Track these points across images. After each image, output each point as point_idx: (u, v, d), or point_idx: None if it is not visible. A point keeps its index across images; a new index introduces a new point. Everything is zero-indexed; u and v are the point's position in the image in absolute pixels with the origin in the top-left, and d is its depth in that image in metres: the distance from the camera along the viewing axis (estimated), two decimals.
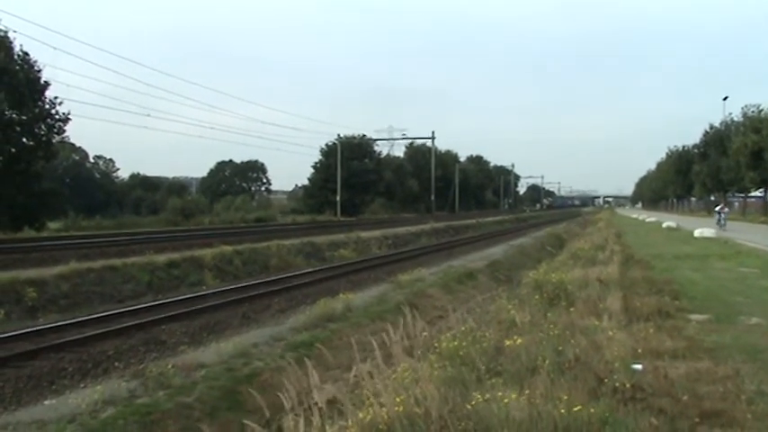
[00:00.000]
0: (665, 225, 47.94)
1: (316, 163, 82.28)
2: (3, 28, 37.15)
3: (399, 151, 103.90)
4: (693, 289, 14.37)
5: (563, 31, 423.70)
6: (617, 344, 8.00)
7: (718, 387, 6.75)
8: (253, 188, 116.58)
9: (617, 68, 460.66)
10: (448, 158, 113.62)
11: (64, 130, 40.21)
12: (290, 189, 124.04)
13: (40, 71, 38.55)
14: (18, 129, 37.59)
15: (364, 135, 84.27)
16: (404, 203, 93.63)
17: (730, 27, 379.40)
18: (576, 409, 5.16)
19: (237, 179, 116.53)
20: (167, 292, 19.43)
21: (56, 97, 38.93)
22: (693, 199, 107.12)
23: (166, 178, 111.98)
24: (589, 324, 9.48)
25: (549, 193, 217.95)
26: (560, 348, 7.48)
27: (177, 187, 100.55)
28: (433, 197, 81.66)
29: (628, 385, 6.29)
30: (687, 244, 29.39)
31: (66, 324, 14.03)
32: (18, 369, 10.79)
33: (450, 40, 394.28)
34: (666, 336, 9.17)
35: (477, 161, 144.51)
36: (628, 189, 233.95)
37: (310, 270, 24.93)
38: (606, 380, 6.40)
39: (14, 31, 37.59)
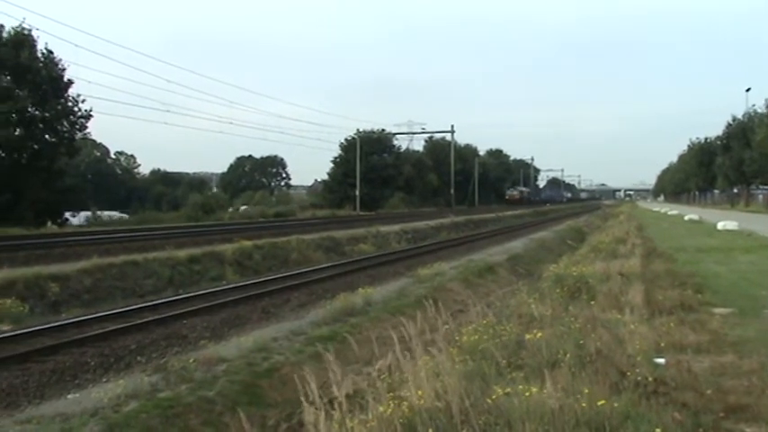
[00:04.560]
0: (687, 218, 47.52)
1: (335, 158, 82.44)
2: (27, 26, 37.58)
3: (419, 145, 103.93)
4: (717, 282, 14.21)
5: (584, 21, 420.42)
6: (639, 337, 7.94)
7: (742, 381, 6.67)
8: (272, 183, 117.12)
9: (639, 59, 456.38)
10: (467, 152, 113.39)
11: (86, 127, 40.68)
12: (310, 184, 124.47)
13: (63, 69, 38.97)
14: (41, 126, 38.05)
15: (383, 129, 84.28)
16: (423, 198, 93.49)
17: (755, 17, 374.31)
18: (598, 403, 5.11)
19: (257, 174, 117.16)
20: (188, 287, 19.52)
21: (78, 95, 39.35)
22: (716, 191, 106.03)
23: (187, 174, 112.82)
24: (611, 317, 9.41)
25: (569, 186, 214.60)
26: (582, 342, 7.43)
27: (197, 183, 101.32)
28: (452, 191, 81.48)
29: (650, 379, 6.23)
30: (710, 237, 29.10)
31: (89, 319, 14.14)
32: (41, 363, 10.89)
33: (470, 34, 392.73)
34: (690, 329, 9.09)
35: (496, 155, 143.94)
36: (649, 182, 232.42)
37: (330, 264, 24.94)
38: (628, 374, 6.34)
39: (37, 29, 38.01)
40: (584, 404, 5.06)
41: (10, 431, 7.93)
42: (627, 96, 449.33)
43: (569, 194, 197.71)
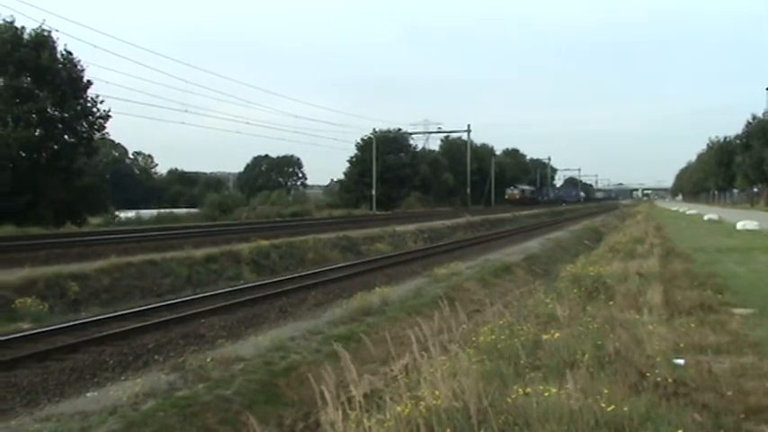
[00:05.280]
0: (706, 217, 47.13)
1: (351, 157, 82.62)
2: (46, 28, 37.91)
3: (435, 145, 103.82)
4: (737, 282, 14.08)
5: (599, 21, 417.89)
6: (658, 338, 7.89)
7: (763, 382, 6.61)
8: (289, 183, 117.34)
9: (658, 57, 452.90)
10: (484, 152, 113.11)
11: (104, 127, 40.87)
12: (326, 184, 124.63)
13: (82, 70, 39.27)
14: (60, 126, 38.33)
15: (400, 129, 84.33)
16: (439, 197, 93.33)
17: None
18: (617, 403, 5.08)
19: (273, 174, 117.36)
20: (206, 286, 19.62)
21: (97, 95, 39.64)
22: (735, 191, 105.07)
23: (204, 173, 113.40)
24: (629, 318, 9.35)
25: (587, 186, 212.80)
26: (600, 342, 7.39)
27: (214, 182, 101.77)
28: (468, 191, 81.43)
29: (670, 380, 6.18)
30: (730, 237, 28.84)
31: (108, 317, 14.25)
32: (61, 362, 10.98)
33: (487, 34, 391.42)
34: (709, 330, 9.00)
35: (513, 154, 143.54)
36: (668, 181, 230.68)
37: (346, 264, 24.98)
38: (648, 374, 6.29)
39: (57, 31, 38.33)
40: (603, 405, 5.03)
41: (31, 429, 7.99)
42: (645, 95, 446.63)
43: (583, 194, 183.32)
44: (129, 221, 48.15)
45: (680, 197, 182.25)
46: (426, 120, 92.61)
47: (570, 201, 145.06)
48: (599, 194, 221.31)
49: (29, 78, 36.81)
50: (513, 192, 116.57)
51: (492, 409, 5.19)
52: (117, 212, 51.00)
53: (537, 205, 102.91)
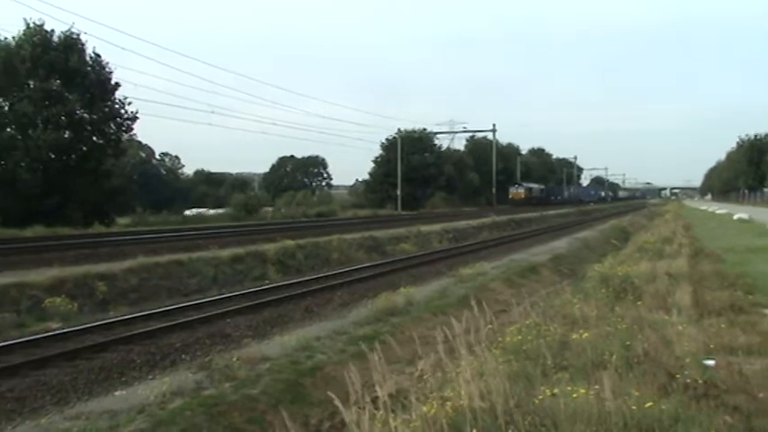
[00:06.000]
0: (736, 217, 46.45)
1: (376, 157, 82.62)
2: (75, 31, 38.43)
3: (460, 144, 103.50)
4: None
5: (627, 19, 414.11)
6: (687, 339, 7.78)
7: None
8: (314, 183, 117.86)
9: (686, 55, 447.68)
10: (509, 151, 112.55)
11: (132, 129, 41.46)
12: (351, 184, 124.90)
13: (110, 72, 39.80)
14: (89, 128, 38.86)
15: (424, 129, 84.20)
16: (465, 197, 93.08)
17: None
18: (646, 405, 5.01)
19: (299, 174, 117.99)
20: (232, 286, 19.72)
21: (125, 97, 40.12)
22: (766, 190, 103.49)
23: (230, 174, 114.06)
24: (658, 318, 9.25)
25: (613, 185, 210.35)
26: (628, 343, 7.31)
27: (240, 183, 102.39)
28: (494, 190, 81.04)
29: (700, 381, 6.09)
30: (760, 237, 28.39)
31: (135, 317, 14.40)
32: (89, 361, 11.12)
33: (513, 34, 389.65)
34: (740, 331, 8.86)
35: (538, 154, 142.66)
36: (696, 180, 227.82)
37: (371, 264, 25.00)
38: (677, 376, 6.21)
39: (85, 33, 38.85)
40: (633, 406, 4.97)
41: (61, 427, 8.09)
42: (674, 93, 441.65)
43: (603, 193, 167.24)
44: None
45: (709, 196, 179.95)
46: (452, 119, 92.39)
47: (588, 200, 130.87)
48: (622, 194, 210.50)
49: (58, 81, 37.37)
50: (517, 191, 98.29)
51: (519, 409, 5.15)
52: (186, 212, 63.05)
53: (548, 206, 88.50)
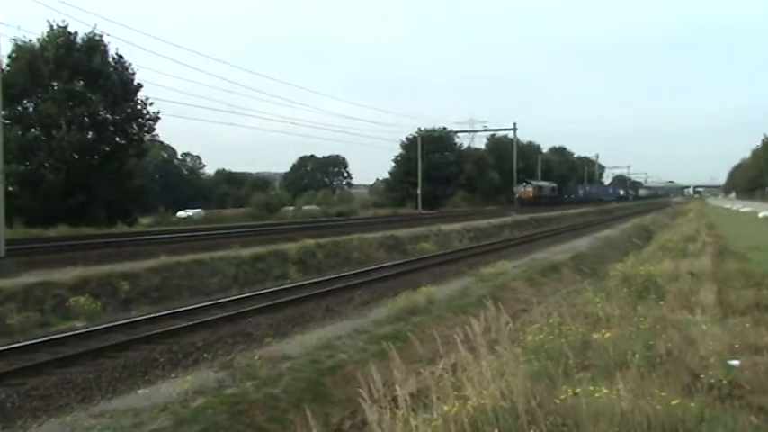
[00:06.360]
0: (761, 215, 45.89)
1: (396, 156, 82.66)
2: (98, 33, 38.81)
3: (480, 143, 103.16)
4: None
5: (648, 16, 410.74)
6: (712, 338, 7.70)
7: None
8: (334, 182, 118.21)
9: (709, 52, 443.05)
10: (530, 150, 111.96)
11: (154, 129, 41.78)
12: (371, 183, 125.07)
13: (133, 73, 40.15)
14: (112, 128, 39.22)
15: (445, 128, 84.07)
16: (485, 196, 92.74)
17: None
18: (670, 404, 4.97)
19: (319, 174, 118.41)
20: (253, 286, 19.82)
21: (147, 98, 40.46)
22: None
23: (250, 174, 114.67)
24: (681, 318, 9.17)
25: (636, 184, 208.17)
26: (651, 342, 7.26)
27: (261, 182, 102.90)
28: (515, 189, 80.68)
29: (724, 381, 6.04)
30: None
31: (158, 316, 14.52)
32: (113, 359, 11.23)
33: (533, 31, 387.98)
34: (765, 330, 8.74)
35: (559, 152, 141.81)
36: (720, 178, 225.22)
37: (392, 263, 25.00)
38: (701, 375, 6.16)
39: (108, 35, 39.22)
40: (657, 406, 4.93)
41: (85, 424, 8.17)
42: (696, 91, 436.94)
43: (622, 191, 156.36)
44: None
45: (733, 195, 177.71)
46: (472, 118, 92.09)
47: (606, 200, 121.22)
48: (642, 192, 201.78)
49: (81, 82, 37.72)
50: (525, 189, 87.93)
51: (540, 409, 5.13)
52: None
53: (559, 206, 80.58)
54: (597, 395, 5.22)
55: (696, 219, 45.48)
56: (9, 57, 36.43)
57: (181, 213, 60.87)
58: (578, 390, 5.45)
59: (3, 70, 27.58)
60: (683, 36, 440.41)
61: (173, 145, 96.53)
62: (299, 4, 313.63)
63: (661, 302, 10.57)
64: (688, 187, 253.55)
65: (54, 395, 9.47)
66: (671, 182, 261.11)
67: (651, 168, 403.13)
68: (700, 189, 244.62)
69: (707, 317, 9.20)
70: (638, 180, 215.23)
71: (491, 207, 78.24)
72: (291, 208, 63.52)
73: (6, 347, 11.60)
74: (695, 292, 11.37)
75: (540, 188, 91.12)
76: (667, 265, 15.54)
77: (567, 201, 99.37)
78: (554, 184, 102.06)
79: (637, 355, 6.71)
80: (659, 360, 6.67)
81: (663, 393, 5.31)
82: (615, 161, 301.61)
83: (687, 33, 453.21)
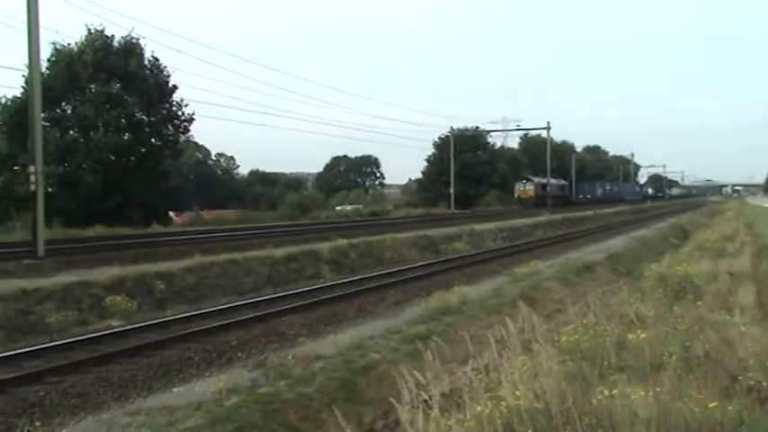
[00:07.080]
0: None
1: (429, 156, 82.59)
2: (135, 36, 39.40)
3: (513, 142, 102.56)
4: None
5: (685, 16, 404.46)
6: (751, 340, 7.56)
7: None
8: (367, 182, 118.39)
9: (747, 48, 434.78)
10: (564, 149, 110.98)
11: (189, 130, 42.31)
12: (404, 183, 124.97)
13: (168, 75, 40.70)
14: (147, 130, 39.78)
15: (477, 127, 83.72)
16: None
17: None
18: (708, 406, 4.88)
19: (352, 174, 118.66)
20: (286, 285, 19.92)
21: (182, 99, 40.97)
22: None
23: (284, 174, 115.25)
24: (719, 319, 9.01)
25: (672, 183, 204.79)
26: (688, 344, 7.14)
27: (294, 183, 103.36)
28: (548, 188, 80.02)
29: (764, 384, 5.91)
30: None
31: (192, 315, 14.68)
32: (149, 358, 11.38)
33: (567, 30, 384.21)
34: None
35: (594, 151, 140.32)
36: (760, 177, 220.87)
37: (425, 263, 24.96)
38: (740, 377, 6.05)
39: (144, 38, 39.81)
40: (695, 409, 4.84)
41: (121, 422, 8.28)
42: (735, 87, 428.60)
43: (650, 190, 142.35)
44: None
45: None
46: (504, 117, 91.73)
47: (632, 199, 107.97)
48: (675, 191, 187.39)
49: (118, 84, 38.28)
50: (525, 187, 77.55)
51: (575, 410, 5.07)
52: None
53: (568, 206, 71.50)
54: (633, 397, 5.15)
55: (734, 218, 44.72)
56: (48, 60, 37.17)
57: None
58: (614, 391, 5.38)
59: (42, 74, 28.06)
60: (719, 32, 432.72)
61: (207, 146, 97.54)
62: (330, 3, 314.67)
63: (698, 303, 10.40)
64: (726, 186, 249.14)
65: (91, 393, 9.61)
66: (708, 180, 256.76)
67: (688, 167, 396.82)
68: (738, 188, 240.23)
69: (746, 318, 9.03)
70: (674, 179, 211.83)
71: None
72: (324, 213, 63.78)
73: (45, 346, 11.83)
74: (734, 293, 11.18)
75: (544, 186, 77.65)
76: (705, 265, 15.30)
77: (581, 201, 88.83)
78: (563, 182, 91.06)
79: (674, 357, 6.61)
80: (696, 362, 6.56)
81: (700, 395, 5.22)
82: (651, 160, 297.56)
83: (723, 29, 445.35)
